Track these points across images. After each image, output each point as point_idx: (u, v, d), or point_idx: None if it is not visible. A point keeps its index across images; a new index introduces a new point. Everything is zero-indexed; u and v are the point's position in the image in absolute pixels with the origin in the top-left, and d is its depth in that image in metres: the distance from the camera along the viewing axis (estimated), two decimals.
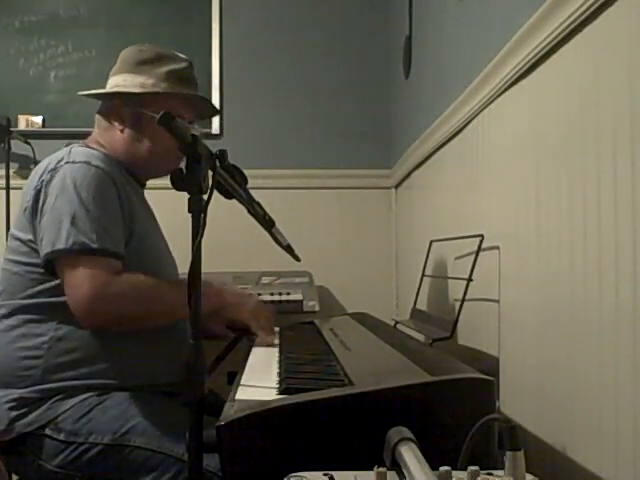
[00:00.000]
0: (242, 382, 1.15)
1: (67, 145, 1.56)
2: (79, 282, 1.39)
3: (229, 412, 0.93)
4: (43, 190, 1.45)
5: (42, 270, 1.44)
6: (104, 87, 1.65)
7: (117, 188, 1.48)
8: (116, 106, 1.61)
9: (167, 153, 1.56)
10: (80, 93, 1.66)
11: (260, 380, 1.16)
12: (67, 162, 1.46)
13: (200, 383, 0.97)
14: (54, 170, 1.46)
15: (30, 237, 1.46)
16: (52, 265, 1.43)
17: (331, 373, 1.15)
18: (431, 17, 2.18)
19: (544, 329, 1.22)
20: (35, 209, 1.45)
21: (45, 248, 1.41)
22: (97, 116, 1.66)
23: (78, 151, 1.50)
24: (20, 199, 1.53)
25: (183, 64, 1.64)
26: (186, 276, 0.98)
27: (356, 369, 1.14)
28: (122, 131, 1.60)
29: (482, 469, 0.74)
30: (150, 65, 1.60)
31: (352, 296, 2.96)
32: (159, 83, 1.59)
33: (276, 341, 1.60)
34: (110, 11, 3.00)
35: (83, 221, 1.41)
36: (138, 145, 1.60)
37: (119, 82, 1.61)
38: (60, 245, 1.39)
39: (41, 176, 1.47)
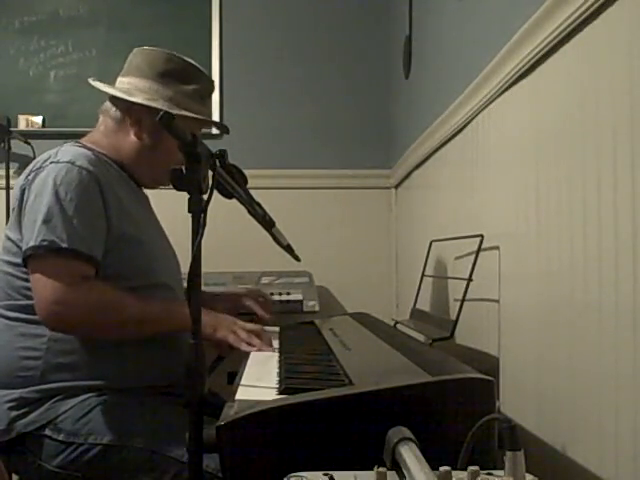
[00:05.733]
0: (242, 382, 1.15)
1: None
2: (43, 283, 1.38)
3: (229, 412, 0.93)
4: (27, 189, 1.45)
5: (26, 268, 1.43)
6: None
7: (102, 190, 1.46)
8: (138, 113, 1.57)
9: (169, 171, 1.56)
10: (103, 88, 1.60)
11: (260, 380, 1.16)
12: (52, 162, 1.45)
13: (200, 383, 0.97)
14: (39, 169, 1.45)
15: (18, 236, 1.45)
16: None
17: (331, 373, 1.15)
18: (431, 17, 2.18)
19: (544, 329, 1.22)
20: (20, 209, 1.45)
21: (23, 247, 1.41)
22: (105, 117, 1.62)
23: (65, 150, 1.49)
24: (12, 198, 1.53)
25: (207, 83, 1.64)
26: (186, 276, 0.98)
27: (356, 369, 1.14)
28: (139, 137, 1.58)
29: (482, 469, 0.74)
30: (177, 80, 1.58)
31: (352, 296, 2.96)
32: (185, 101, 1.57)
33: (276, 342, 1.59)
34: (110, 11, 3.00)
35: (56, 220, 1.39)
36: (148, 156, 1.59)
37: (143, 88, 1.57)
38: (31, 242, 1.38)
39: (27, 176, 1.47)
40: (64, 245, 1.38)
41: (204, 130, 2.86)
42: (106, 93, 1.61)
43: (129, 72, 1.61)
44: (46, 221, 1.39)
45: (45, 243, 1.38)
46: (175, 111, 1.52)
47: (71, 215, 1.40)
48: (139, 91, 1.57)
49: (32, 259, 1.40)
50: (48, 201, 1.40)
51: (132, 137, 1.58)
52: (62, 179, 1.42)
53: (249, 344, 1.50)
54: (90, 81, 1.62)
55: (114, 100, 1.60)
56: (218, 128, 1.79)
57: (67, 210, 1.40)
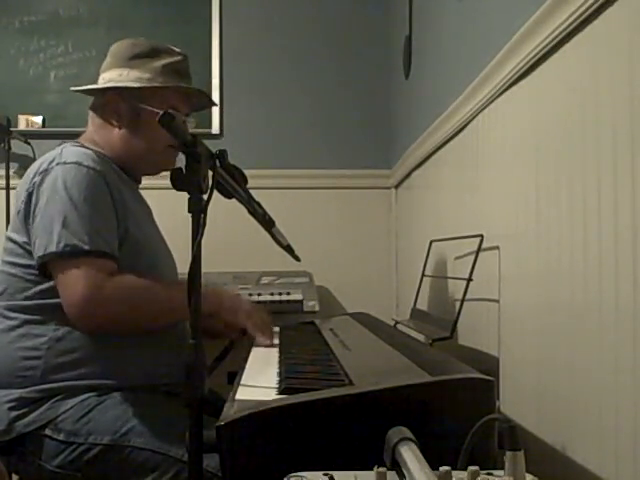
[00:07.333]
0: (242, 382, 1.15)
1: (61, 144, 1.56)
2: (72, 285, 1.38)
3: (229, 412, 0.93)
4: (35, 192, 1.45)
5: (38, 272, 1.44)
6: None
7: (109, 188, 1.47)
8: (112, 102, 1.59)
9: (165, 149, 1.58)
10: (73, 89, 1.64)
11: (260, 380, 1.16)
12: (58, 163, 1.45)
13: (200, 383, 0.97)
14: (45, 172, 1.45)
15: (25, 239, 1.45)
16: (46, 268, 1.42)
17: (331, 373, 1.15)
18: (431, 17, 2.18)
19: (544, 329, 1.22)
20: (28, 212, 1.45)
21: (38, 251, 1.41)
22: (91, 113, 1.64)
23: (70, 151, 1.49)
24: (15, 200, 1.53)
25: (178, 57, 1.64)
26: (186, 276, 0.98)
27: (356, 369, 1.14)
28: (120, 127, 1.59)
29: (482, 469, 0.74)
30: (145, 59, 1.59)
31: (352, 296, 2.96)
32: (156, 77, 1.58)
33: (276, 341, 1.60)
34: (110, 11, 3.00)
35: (74, 223, 1.40)
36: (136, 141, 1.59)
37: (114, 77, 1.60)
38: (52, 248, 1.39)
39: (33, 178, 1.47)
40: (86, 247, 1.39)
41: (204, 130, 2.87)
42: (81, 92, 1.64)
43: (102, 70, 1.65)
44: (65, 225, 1.39)
45: (68, 248, 1.39)
46: (145, 84, 1.55)
47: (88, 217, 1.41)
48: (110, 81, 1.60)
49: (55, 264, 1.41)
50: (62, 204, 1.41)
51: (115, 129, 1.60)
52: (72, 180, 1.43)
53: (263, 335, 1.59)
54: (71, 88, 1.66)
55: (95, 98, 1.64)
56: (200, 99, 1.72)
57: (83, 211, 1.41)
